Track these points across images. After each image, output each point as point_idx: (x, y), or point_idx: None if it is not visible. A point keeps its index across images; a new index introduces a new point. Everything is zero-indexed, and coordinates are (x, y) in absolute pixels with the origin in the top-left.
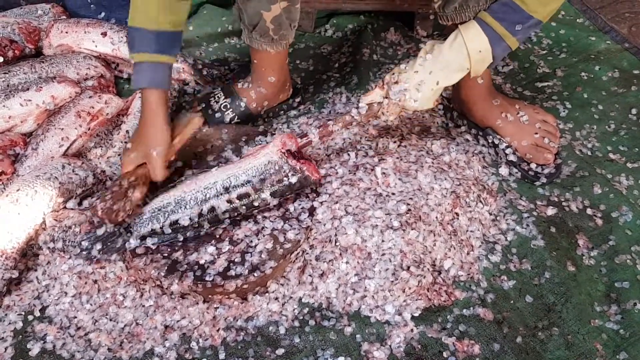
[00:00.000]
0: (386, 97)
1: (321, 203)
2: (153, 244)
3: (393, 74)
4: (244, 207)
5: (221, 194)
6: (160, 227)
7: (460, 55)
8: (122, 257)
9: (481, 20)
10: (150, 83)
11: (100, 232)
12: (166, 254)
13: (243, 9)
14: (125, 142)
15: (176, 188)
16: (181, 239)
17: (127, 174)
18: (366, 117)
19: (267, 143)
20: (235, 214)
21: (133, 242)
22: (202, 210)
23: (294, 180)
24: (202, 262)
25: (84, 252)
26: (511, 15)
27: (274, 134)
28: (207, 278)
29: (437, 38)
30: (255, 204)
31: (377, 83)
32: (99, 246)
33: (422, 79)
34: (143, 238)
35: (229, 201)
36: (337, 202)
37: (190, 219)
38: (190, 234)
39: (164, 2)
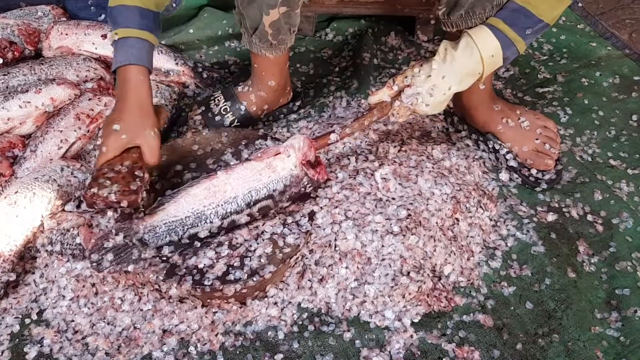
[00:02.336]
0: (395, 98)
1: (321, 207)
2: (170, 252)
3: (406, 76)
4: (261, 217)
5: (242, 210)
6: (178, 239)
7: (473, 60)
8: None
9: (493, 26)
10: (138, 59)
11: (108, 244)
12: (164, 258)
13: (243, 13)
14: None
15: (191, 196)
16: (198, 245)
17: (118, 159)
18: (378, 116)
19: (285, 147)
20: (252, 220)
21: (149, 253)
22: (222, 224)
23: (309, 189)
24: (200, 266)
25: (94, 264)
26: (522, 20)
27: (274, 137)
28: (205, 282)
29: (438, 43)
30: (271, 212)
31: (387, 83)
32: (110, 257)
33: (435, 84)
34: (159, 248)
35: (250, 215)
36: (337, 207)
37: (209, 231)
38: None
39: None
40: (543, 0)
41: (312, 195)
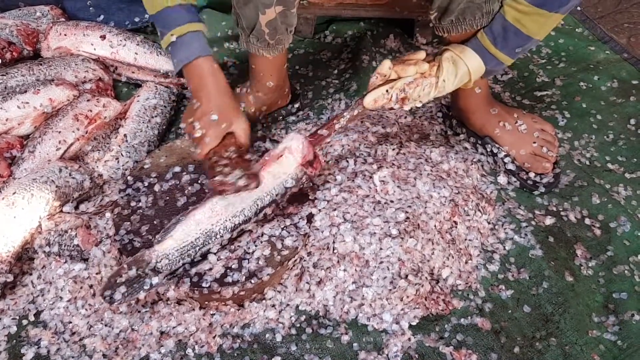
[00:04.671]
0: (391, 100)
1: (319, 210)
2: (185, 271)
3: (408, 98)
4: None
5: (250, 219)
6: (191, 260)
7: (461, 82)
8: (118, 262)
9: (484, 48)
10: (202, 51)
11: (121, 280)
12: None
13: (240, 13)
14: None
15: (197, 219)
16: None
17: (221, 146)
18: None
19: (283, 150)
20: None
21: (156, 280)
22: (232, 235)
23: (306, 184)
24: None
25: (108, 298)
26: (512, 39)
27: (273, 139)
28: (203, 284)
29: (437, 46)
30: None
31: (390, 95)
32: (122, 289)
33: (426, 99)
34: (172, 273)
35: (256, 221)
36: (335, 209)
37: (221, 244)
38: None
39: None
40: (533, 19)
41: (310, 196)
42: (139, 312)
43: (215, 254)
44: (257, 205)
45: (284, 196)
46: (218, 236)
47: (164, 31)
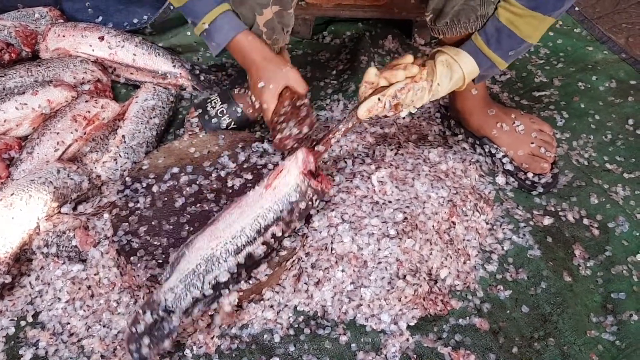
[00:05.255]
0: (384, 108)
1: (317, 210)
2: (199, 310)
3: (395, 95)
4: (277, 243)
5: (255, 239)
6: (201, 292)
7: (455, 86)
8: (117, 263)
9: (478, 49)
10: (235, 29)
11: (140, 327)
12: (161, 261)
13: (237, 12)
14: (249, 93)
15: (197, 246)
16: (226, 293)
17: (279, 105)
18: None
19: (284, 164)
20: (270, 250)
21: (176, 320)
22: (238, 259)
23: (317, 203)
24: None
25: (136, 355)
26: (505, 41)
27: (271, 140)
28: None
29: (435, 46)
30: (286, 235)
31: (383, 103)
32: (147, 341)
33: (420, 104)
34: (187, 311)
35: (265, 243)
36: (333, 210)
37: (229, 272)
38: (232, 285)
39: None
40: (527, 22)
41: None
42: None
43: (225, 284)
44: (259, 223)
45: (291, 213)
46: (221, 260)
47: (195, 21)
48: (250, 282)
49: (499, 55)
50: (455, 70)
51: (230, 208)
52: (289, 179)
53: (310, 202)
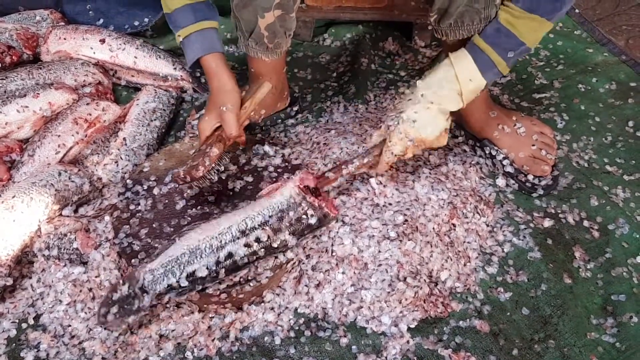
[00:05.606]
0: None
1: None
2: (170, 299)
3: (393, 119)
4: (262, 250)
5: (238, 238)
6: (177, 281)
7: (452, 92)
8: (118, 266)
9: (475, 45)
10: (203, 50)
11: (115, 296)
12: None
13: (239, 16)
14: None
15: (186, 237)
16: (199, 288)
17: (206, 140)
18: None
19: (283, 181)
20: (254, 257)
21: (147, 300)
22: (219, 257)
23: (313, 220)
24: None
25: (102, 319)
26: (504, 41)
27: (272, 142)
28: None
29: (435, 48)
30: (274, 245)
31: (380, 130)
32: (114, 310)
33: (421, 118)
34: (159, 295)
35: (247, 245)
36: None
37: (207, 268)
38: (209, 284)
39: None
40: (525, 23)
41: (320, 228)
42: None
43: (202, 279)
44: (246, 223)
45: (279, 221)
46: (203, 255)
47: (174, 31)
48: (251, 284)
49: (498, 53)
50: (444, 69)
51: (231, 210)
52: (283, 190)
53: (304, 216)
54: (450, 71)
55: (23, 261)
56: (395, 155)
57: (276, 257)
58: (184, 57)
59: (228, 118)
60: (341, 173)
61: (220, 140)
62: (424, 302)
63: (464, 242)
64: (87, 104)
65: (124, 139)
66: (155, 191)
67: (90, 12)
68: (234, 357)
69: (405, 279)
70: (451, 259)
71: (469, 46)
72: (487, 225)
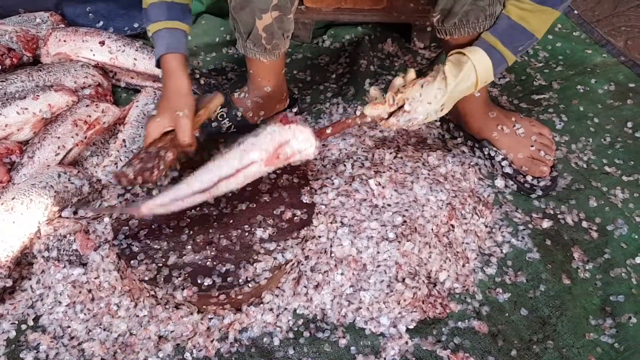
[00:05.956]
0: (392, 116)
1: (317, 214)
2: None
3: (407, 97)
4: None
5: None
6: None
7: (470, 86)
8: (117, 267)
9: (491, 46)
10: (168, 48)
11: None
12: (161, 264)
13: (237, 18)
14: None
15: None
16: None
17: (154, 142)
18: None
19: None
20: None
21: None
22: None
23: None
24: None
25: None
26: (518, 38)
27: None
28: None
29: (434, 50)
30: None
31: (387, 98)
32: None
33: (433, 110)
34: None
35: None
36: (332, 213)
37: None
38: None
39: None
40: (537, 16)
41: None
42: (138, 316)
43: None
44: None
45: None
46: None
47: (145, 25)
48: (250, 285)
49: (511, 50)
50: (464, 62)
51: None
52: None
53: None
54: (473, 79)
55: (23, 262)
56: (386, 103)
57: (275, 259)
58: None
59: (183, 124)
60: (338, 128)
61: (175, 145)
62: (423, 303)
63: (463, 242)
64: (87, 105)
65: (124, 140)
66: (154, 192)
67: (90, 14)
68: (233, 358)
69: (403, 279)
70: (450, 260)
71: (484, 46)
72: (486, 226)
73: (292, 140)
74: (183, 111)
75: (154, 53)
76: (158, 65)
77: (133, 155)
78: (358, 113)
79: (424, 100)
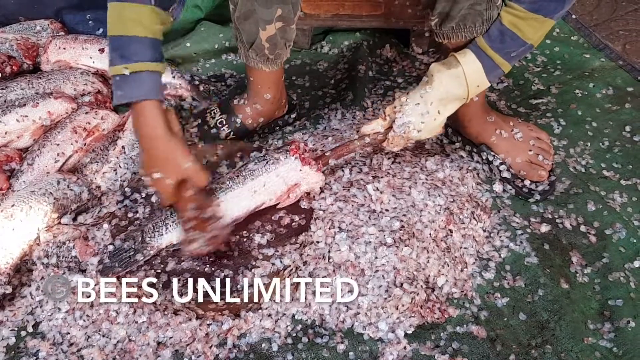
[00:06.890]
0: (389, 129)
1: (315, 219)
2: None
3: (395, 106)
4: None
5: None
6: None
7: (459, 87)
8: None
9: (480, 50)
10: (148, 94)
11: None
12: (159, 270)
13: (240, 28)
14: (139, 174)
15: None
16: None
17: (182, 204)
18: (369, 146)
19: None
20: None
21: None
22: None
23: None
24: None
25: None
26: (508, 44)
27: (269, 149)
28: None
29: (433, 55)
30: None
31: (380, 114)
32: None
33: (424, 111)
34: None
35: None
36: (330, 219)
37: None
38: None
39: (155, 11)
40: (529, 24)
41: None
42: (136, 322)
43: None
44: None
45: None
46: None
47: (118, 60)
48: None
49: (502, 56)
50: (451, 63)
51: None
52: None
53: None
54: (462, 82)
55: (22, 269)
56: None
57: (273, 264)
58: (182, 65)
59: (196, 172)
60: (339, 153)
61: (194, 199)
62: (421, 308)
63: (461, 247)
64: (86, 112)
65: (123, 147)
66: (154, 199)
67: (90, 21)
68: None
69: (402, 285)
70: (448, 265)
71: (473, 49)
72: (484, 231)
73: (302, 183)
74: (187, 163)
75: (124, 92)
76: (119, 104)
77: (182, 225)
78: (358, 144)
79: (410, 102)
